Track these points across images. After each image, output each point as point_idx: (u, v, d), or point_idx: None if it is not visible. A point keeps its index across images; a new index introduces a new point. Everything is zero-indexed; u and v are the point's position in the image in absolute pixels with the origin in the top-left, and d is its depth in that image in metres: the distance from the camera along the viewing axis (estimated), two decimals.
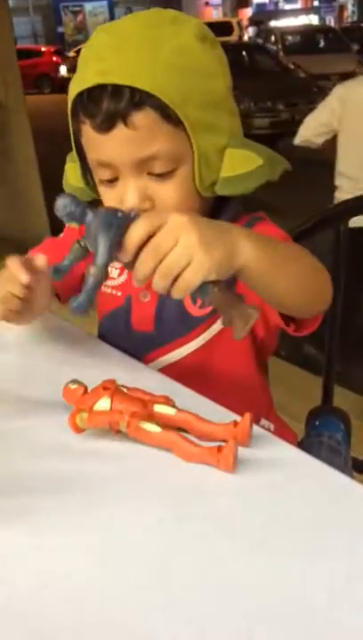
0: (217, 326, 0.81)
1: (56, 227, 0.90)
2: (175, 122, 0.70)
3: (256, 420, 0.85)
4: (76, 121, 0.74)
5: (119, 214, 0.59)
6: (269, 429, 0.89)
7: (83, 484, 0.58)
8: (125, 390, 0.64)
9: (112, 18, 27.02)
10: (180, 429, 0.62)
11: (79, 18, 27.28)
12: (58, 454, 0.62)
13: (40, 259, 0.74)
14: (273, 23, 15.17)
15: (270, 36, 11.11)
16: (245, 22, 18.50)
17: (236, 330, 0.61)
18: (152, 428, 0.60)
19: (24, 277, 0.71)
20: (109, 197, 0.76)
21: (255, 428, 0.68)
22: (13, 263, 0.72)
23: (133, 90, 0.68)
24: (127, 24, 0.74)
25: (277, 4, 29.12)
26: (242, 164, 0.75)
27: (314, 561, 0.49)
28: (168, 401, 0.64)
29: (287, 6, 28.17)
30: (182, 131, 0.71)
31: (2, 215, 3.81)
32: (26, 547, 0.52)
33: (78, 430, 0.63)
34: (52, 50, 18.31)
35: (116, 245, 0.58)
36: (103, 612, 0.45)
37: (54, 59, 10.77)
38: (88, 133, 0.73)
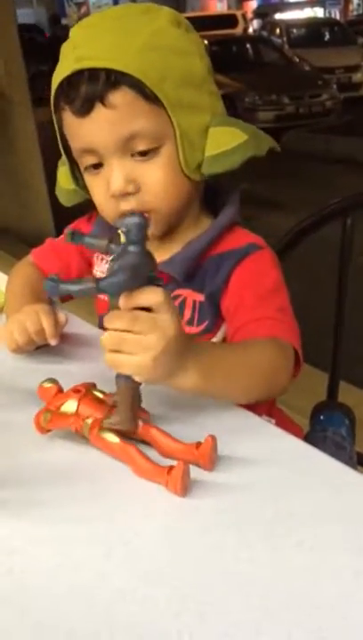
0: (216, 338, 0.80)
1: (59, 218, 0.90)
2: (154, 100, 0.71)
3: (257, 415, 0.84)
4: (58, 111, 0.75)
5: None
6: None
7: (88, 476, 0.59)
8: (100, 395, 0.64)
9: None
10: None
11: (83, 9, 27.14)
12: (62, 445, 0.62)
13: (63, 316, 0.81)
14: (278, 16, 15.06)
15: (275, 28, 11.04)
16: (249, 15, 18.37)
17: (118, 423, 0.60)
18: (112, 438, 0.59)
19: (54, 342, 0.78)
20: (96, 185, 0.77)
21: (260, 420, 0.68)
22: (48, 321, 0.78)
23: (109, 71, 0.69)
24: (100, 17, 0.76)
25: None
26: (226, 141, 0.75)
27: (320, 555, 0.49)
28: (142, 412, 0.62)
29: None
30: (162, 109, 0.71)
31: (5, 207, 3.80)
32: (33, 538, 0.52)
33: (42, 430, 0.63)
34: None
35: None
36: (110, 603, 0.45)
37: None
38: (69, 121, 0.74)
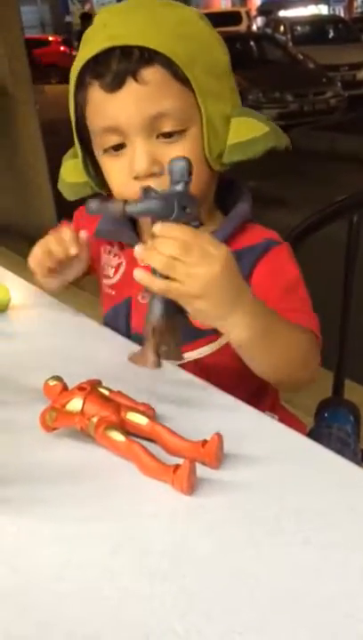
0: (224, 339, 0.80)
1: (63, 217, 0.90)
2: (184, 81, 0.72)
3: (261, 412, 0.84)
4: (82, 89, 0.75)
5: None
6: None
7: (94, 474, 0.58)
8: (106, 393, 0.63)
9: None
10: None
11: (87, 7, 27.13)
12: (67, 443, 0.62)
13: (83, 233, 0.81)
14: (282, 13, 15.02)
15: (279, 25, 11.01)
16: (253, 12, 18.33)
17: (146, 360, 0.63)
18: (117, 436, 0.59)
19: (73, 250, 0.79)
20: (116, 167, 0.76)
21: (266, 417, 0.67)
22: (67, 233, 0.80)
23: (142, 48, 0.70)
24: (126, 5, 0.76)
25: None
26: (248, 131, 0.76)
27: (326, 553, 0.48)
28: (148, 409, 0.62)
29: None
30: (191, 92, 0.72)
31: (9, 205, 3.81)
32: (39, 536, 0.52)
33: (48, 429, 0.62)
34: (60, 39, 18.22)
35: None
36: (116, 602, 0.45)
37: (62, 48, 10.85)
38: (95, 97, 0.74)
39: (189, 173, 0.61)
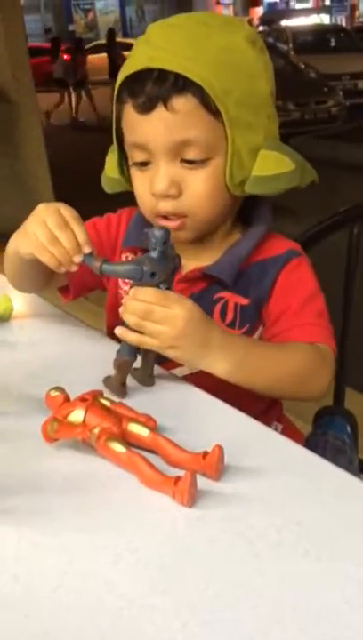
0: None
1: None
2: (214, 113, 0.72)
3: (268, 423, 0.85)
4: (120, 103, 0.77)
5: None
6: (276, 430, 0.89)
7: (95, 485, 0.58)
8: (107, 404, 0.64)
9: (123, 16, 26.99)
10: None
11: (90, 16, 27.26)
12: (69, 454, 0.62)
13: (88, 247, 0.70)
14: (284, 22, 15.10)
15: (282, 35, 11.05)
16: (256, 21, 18.43)
17: (113, 388, 0.72)
18: (118, 447, 0.59)
19: (78, 258, 0.69)
20: (140, 181, 0.79)
21: (267, 429, 0.68)
22: (82, 233, 0.70)
23: (178, 75, 0.70)
24: (181, 19, 0.77)
25: (288, 3, 29.00)
26: (274, 166, 0.76)
27: (326, 565, 0.49)
28: (148, 421, 0.63)
29: (299, 5, 28.05)
30: (220, 123, 0.73)
31: (12, 212, 3.81)
32: (41, 546, 0.52)
33: (50, 439, 0.62)
34: (63, 48, 18.28)
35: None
36: (116, 613, 0.45)
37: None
38: (129, 115, 0.76)
39: (165, 242, 0.67)
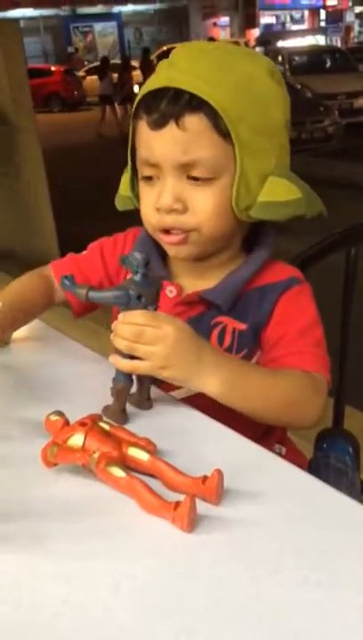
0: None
1: (64, 246, 0.92)
2: (225, 135, 0.73)
3: (269, 445, 0.85)
4: (136, 119, 0.79)
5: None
6: (279, 453, 0.89)
7: (95, 510, 0.58)
8: (107, 428, 0.64)
9: (121, 38, 27.32)
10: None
11: (89, 38, 27.61)
12: (68, 479, 0.62)
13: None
14: (280, 43, 15.26)
15: (278, 56, 11.17)
16: (252, 43, 18.66)
17: (113, 416, 0.71)
18: (118, 472, 0.59)
19: None
20: (147, 195, 0.80)
21: (267, 453, 0.68)
22: None
23: (193, 95, 0.72)
24: (207, 45, 0.80)
25: (284, 24, 29.42)
26: (281, 193, 0.77)
27: (326, 591, 0.49)
28: (148, 444, 0.63)
29: (294, 27, 28.44)
30: (230, 146, 0.74)
31: (11, 234, 3.83)
32: (40, 573, 0.52)
33: (49, 464, 0.62)
34: (62, 69, 18.54)
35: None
36: (117, 638, 0.45)
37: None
38: (142, 130, 0.78)
39: (146, 264, 0.69)
